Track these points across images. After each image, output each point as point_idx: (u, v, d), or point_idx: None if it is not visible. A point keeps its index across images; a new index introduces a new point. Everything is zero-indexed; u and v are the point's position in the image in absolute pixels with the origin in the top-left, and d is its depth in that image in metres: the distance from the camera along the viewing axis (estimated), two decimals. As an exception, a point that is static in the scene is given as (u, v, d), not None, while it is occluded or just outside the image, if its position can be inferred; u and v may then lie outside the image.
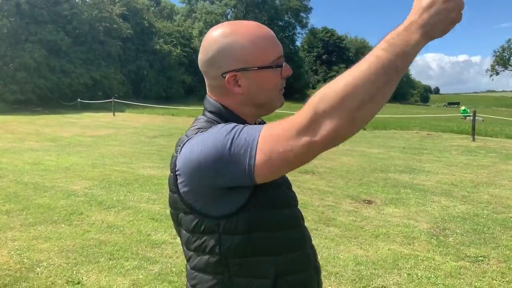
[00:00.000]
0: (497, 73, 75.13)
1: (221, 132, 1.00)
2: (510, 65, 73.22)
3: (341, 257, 4.15)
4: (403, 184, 7.26)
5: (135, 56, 41.65)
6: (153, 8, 52.70)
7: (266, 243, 1.07)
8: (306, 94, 65.14)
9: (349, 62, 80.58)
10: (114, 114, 24.52)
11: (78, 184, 7.00)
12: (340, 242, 4.55)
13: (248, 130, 0.98)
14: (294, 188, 1.26)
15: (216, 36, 1.11)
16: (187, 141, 1.07)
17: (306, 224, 1.24)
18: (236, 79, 1.10)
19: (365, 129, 17.00)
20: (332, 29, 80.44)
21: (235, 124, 1.02)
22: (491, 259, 4.16)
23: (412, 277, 3.73)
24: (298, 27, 65.91)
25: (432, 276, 3.76)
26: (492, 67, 74.90)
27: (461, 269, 3.90)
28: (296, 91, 60.79)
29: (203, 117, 1.18)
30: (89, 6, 37.37)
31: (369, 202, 6.16)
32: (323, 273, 3.75)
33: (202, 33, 58.33)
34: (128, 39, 40.48)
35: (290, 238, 1.13)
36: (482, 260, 4.12)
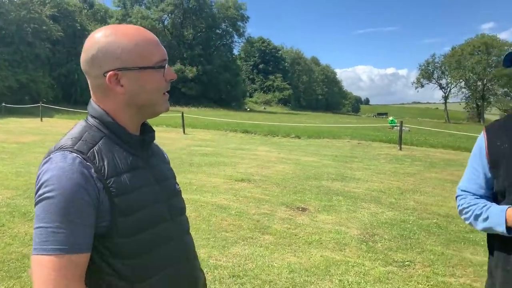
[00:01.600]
0: (422, 86, 79.33)
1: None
2: (434, 78, 77.67)
3: (275, 265, 4.18)
4: (335, 192, 7.47)
5: (66, 59, 39.95)
6: (85, 11, 50.93)
7: (120, 270, 1.06)
8: (243, 102, 65.55)
9: (285, 71, 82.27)
10: (41, 120, 23.37)
11: (0, 194, 6.58)
12: (275, 250, 4.59)
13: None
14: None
15: (98, 36, 1.10)
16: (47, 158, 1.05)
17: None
18: (118, 79, 1.09)
19: (299, 138, 17.34)
20: (267, 39, 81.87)
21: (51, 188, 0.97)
22: (416, 263, 4.36)
23: (343, 283, 3.83)
24: (235, 36, 66.38)
25: (362, 281, 3.88)
26: (418, 80, 78.99)
27: (389, 274, 4.06)
28: (233, 99, 61.04)
29: (83, 122, 1.16)
30: (17, 6, 35.41)
31: (303, 209, 6.27)
32: (257, 282, 3.76)
33: (137, 38, 57.02)
34: (59, 42, 38.79)
35: (146, 262, 1.10)
36: (408, 265, 4.31)
